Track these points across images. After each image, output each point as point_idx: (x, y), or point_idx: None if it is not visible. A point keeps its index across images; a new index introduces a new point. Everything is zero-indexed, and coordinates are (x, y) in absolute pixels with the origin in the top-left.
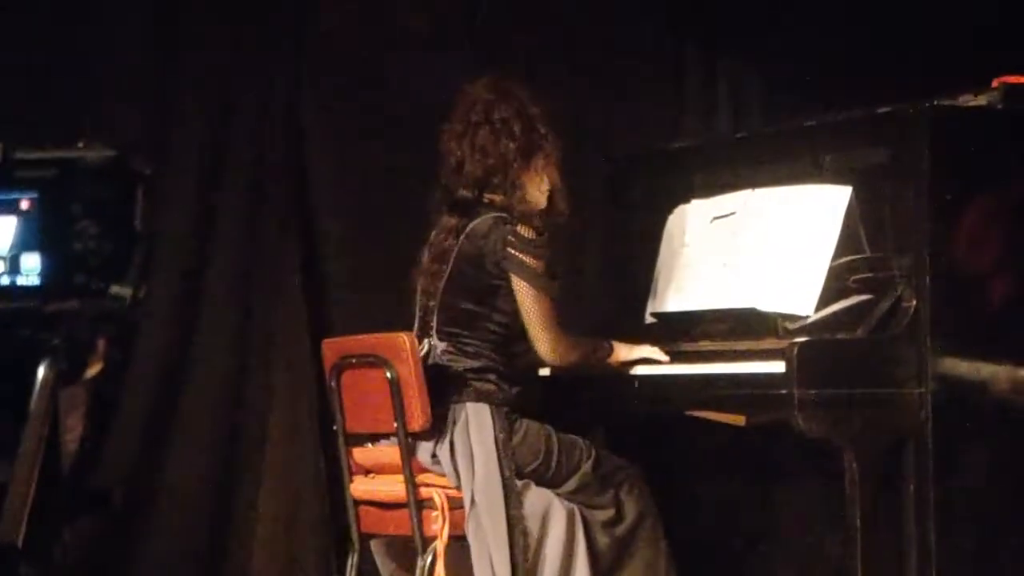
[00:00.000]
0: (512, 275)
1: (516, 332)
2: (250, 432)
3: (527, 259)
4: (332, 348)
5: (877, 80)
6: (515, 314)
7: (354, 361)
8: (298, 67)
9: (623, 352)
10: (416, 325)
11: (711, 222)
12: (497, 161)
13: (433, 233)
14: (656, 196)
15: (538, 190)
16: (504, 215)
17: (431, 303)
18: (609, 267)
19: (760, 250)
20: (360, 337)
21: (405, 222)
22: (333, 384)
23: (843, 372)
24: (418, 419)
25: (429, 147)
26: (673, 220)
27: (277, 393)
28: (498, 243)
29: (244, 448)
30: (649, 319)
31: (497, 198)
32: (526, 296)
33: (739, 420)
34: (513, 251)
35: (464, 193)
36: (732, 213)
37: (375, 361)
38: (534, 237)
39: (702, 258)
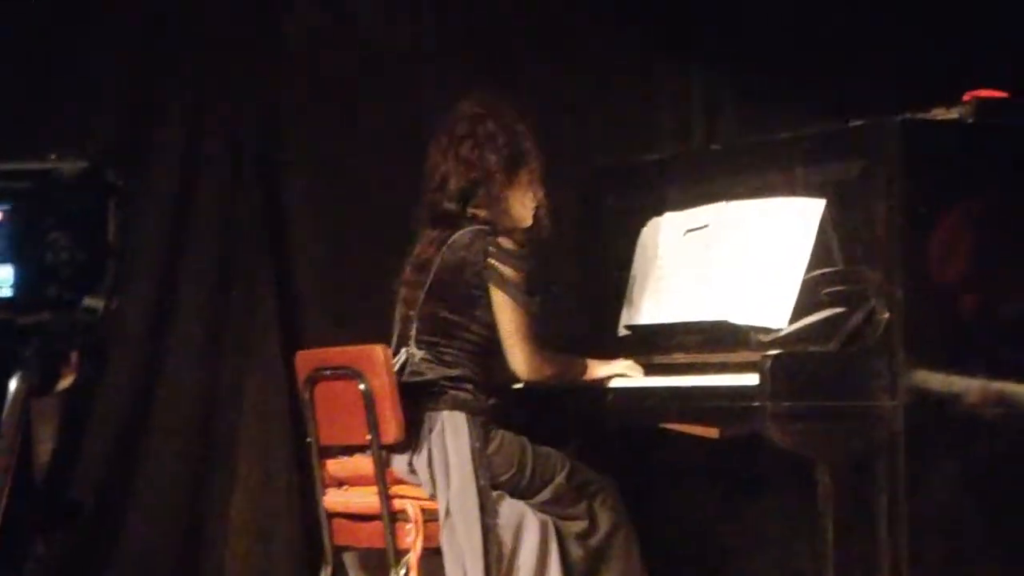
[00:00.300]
0: (491, 286)
1: (493, 344)
2: (223, 444)
3: (507, 271)
4: (306, 360)
5: (851, 92)
6: (493, 326)
7: (328, 373)
8: (275, 77)
9: (598, 369)
10: (395, 335)
11: (684, 235)
12: (481, 174)
13: (416, 247)
14: (629, 208)
15: (522, 205)
16: (487, 228)
17: (410, 312)
18: (582, 279)
19: (733, 263)
20: (334, 349)
21: (380, 234)
22: (307, 396)
23: (816, 385)
24: (392, 431)
25: (406, 159)
26: (646, 232)
27: (250, 405)
28: (479, 253)
29: (217, 460)
30: (623, 331)
31: (481, 212)
32: (503, 308)
33: (712, 433)
34: (493, 261)
35: (448, 206)
36: (705, 226)
37: (349, 373)
38: (515, 249)
39: (675, 271)
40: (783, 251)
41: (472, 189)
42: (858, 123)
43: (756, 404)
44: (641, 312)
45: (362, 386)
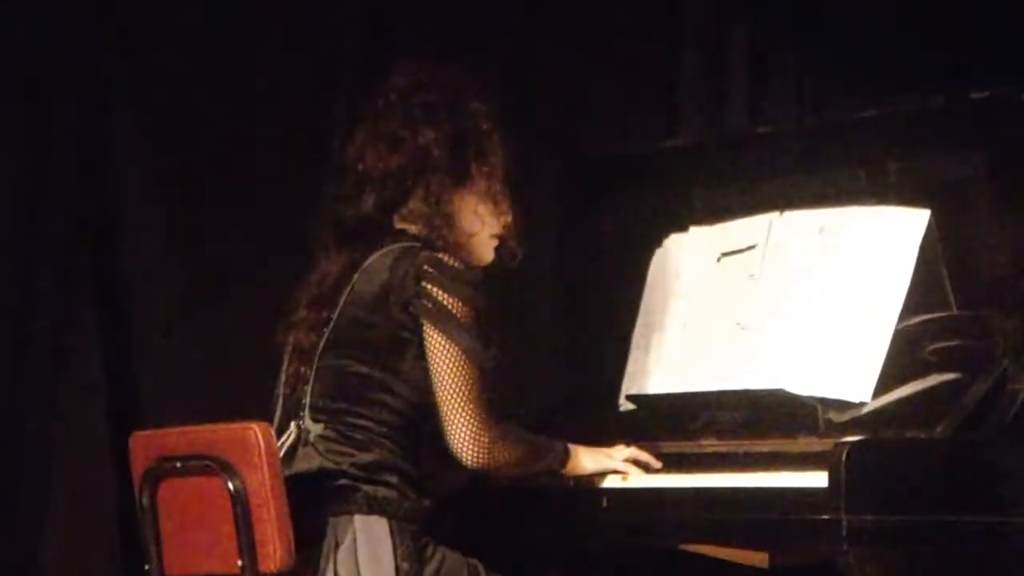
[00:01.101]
0: (425, 323)
1: (425, 408)
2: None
3: (449, 300)
4: (145, 446)
5: (964, 57)
6: (429, 388)
7: (179, 466)
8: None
9: (586, 460)
10: (279, 403)
11: (718, 260)
12: (412, 158)
13: (314, 274)
14: (637, 220)
15: (476, 218)
16: (419, 245)
17: (304, 368)
18: (565, 326)
19: (792, 303)
20: (188, 429)
21: (254, 271)
22: (145, 501)
23: (917, 489)
24: (277, 554)
25: (287, 174)
26: (662, 256)
27: (58, 517)
28: (409, 276)
29: None
30: (624, 404)
31: (412, 226)
32: (441, 355)
33: (760, 560)
34: (430, 287)
35: (365, 212)
36: (750, 247)
37: (210, 466)
38: (462, 269)
39: (705, 314)
40: (867, 286)
41: (400, 186)
42: (982, 95)
43: (826, 516)
44: (652, 376)
45: (231, 484)
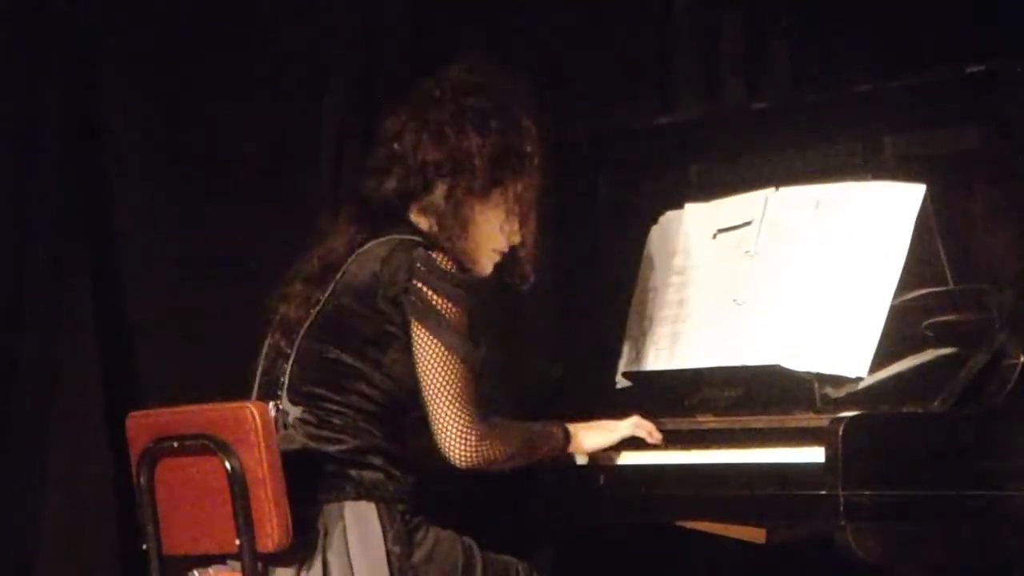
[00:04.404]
0: (413, 321)
1: (405, 404)
2: (14, 552)
3: (437, 300)
4: (142, 426)
5: (960, 31)
6: (405, 382)
7: (176, 445)
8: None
9: (588, 439)
10: (256, 379)
11: (714, 237)
12: (449, 156)
13: (317, 249)
14: (632, 197)
15: (494, 231)
16: (420, 239)
17: (285, 344)
18: (559, 304)
19: (788, 279)
20: (185, 408)
21: (250, 249)
22: (143, 480)
23: (914, 464)
24: (275, 533)
25: (290, 154)
26: (657, 233)
27: (54, 495)
28: (401, 270)
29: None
30: (621, 382)
31: (425, 220)
32: (428, 353)
33: (757, 535)
34: (420, 284)
35: (385, 193)
36: (746, 223)
37: (208, 445)
38: (454, 272)
39: (701, 290)
40: (862, 262)
41: (428, 178)
42: (978, 68)
43: (823, 492)
44: (648, 353)
45: (228, 463)
